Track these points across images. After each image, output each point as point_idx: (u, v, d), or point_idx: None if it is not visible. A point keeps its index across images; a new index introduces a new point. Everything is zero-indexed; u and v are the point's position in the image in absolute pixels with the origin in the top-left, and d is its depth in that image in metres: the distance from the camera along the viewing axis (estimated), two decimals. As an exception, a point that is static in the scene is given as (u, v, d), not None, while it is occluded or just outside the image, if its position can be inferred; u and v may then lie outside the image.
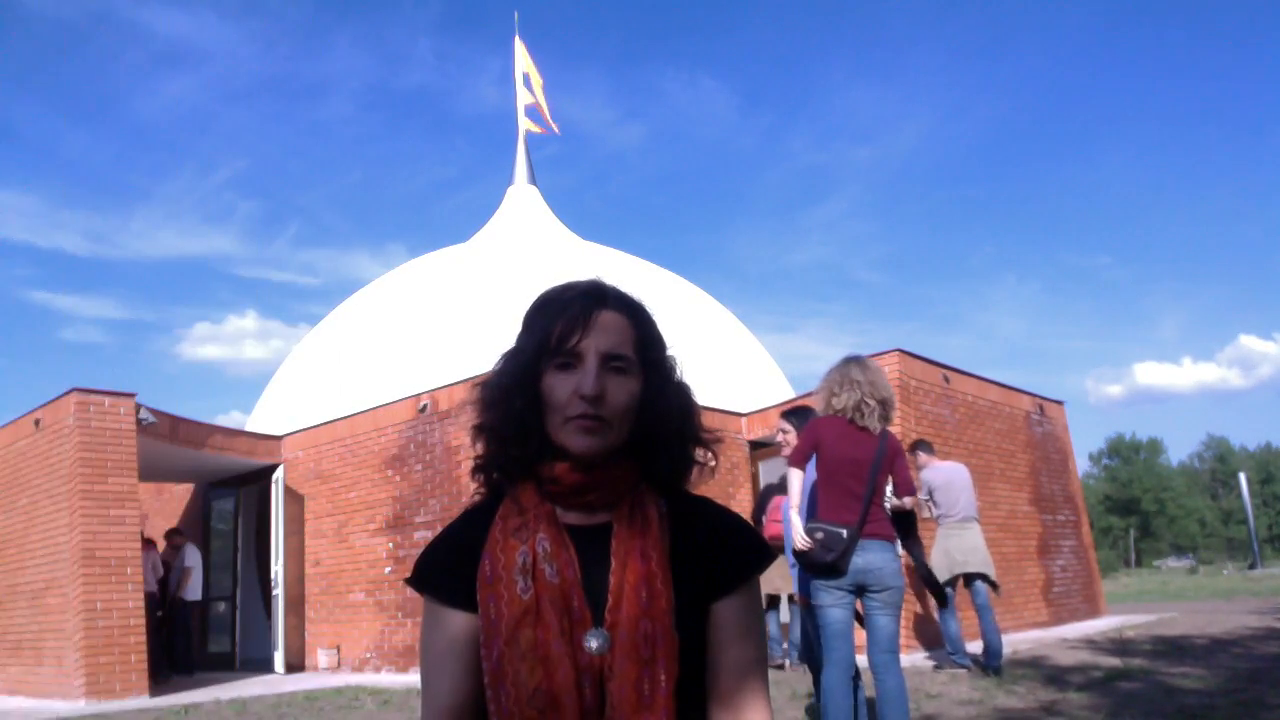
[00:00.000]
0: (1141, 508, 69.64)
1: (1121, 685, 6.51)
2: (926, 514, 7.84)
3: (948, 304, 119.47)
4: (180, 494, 14.38)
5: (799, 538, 4.23)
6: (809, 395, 4.75)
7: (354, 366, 14.20)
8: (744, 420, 11.95)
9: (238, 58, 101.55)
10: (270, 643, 11.93)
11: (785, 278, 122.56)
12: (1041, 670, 7.49)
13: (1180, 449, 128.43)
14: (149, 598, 10.30)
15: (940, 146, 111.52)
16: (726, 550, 1.21)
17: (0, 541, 10.89)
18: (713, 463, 1.27)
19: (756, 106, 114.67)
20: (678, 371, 1.26)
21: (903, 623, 6.46)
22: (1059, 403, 13.83)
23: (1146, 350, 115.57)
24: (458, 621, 1.18)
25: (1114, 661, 7.71)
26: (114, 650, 9.30)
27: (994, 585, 7.61)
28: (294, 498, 12.33)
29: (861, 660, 4.32)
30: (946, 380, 11.05)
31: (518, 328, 1.25)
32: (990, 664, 7.28)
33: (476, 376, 1.52)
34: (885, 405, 4.35)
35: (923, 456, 8.05)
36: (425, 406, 11.16)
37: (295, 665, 11.77)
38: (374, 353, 14.23)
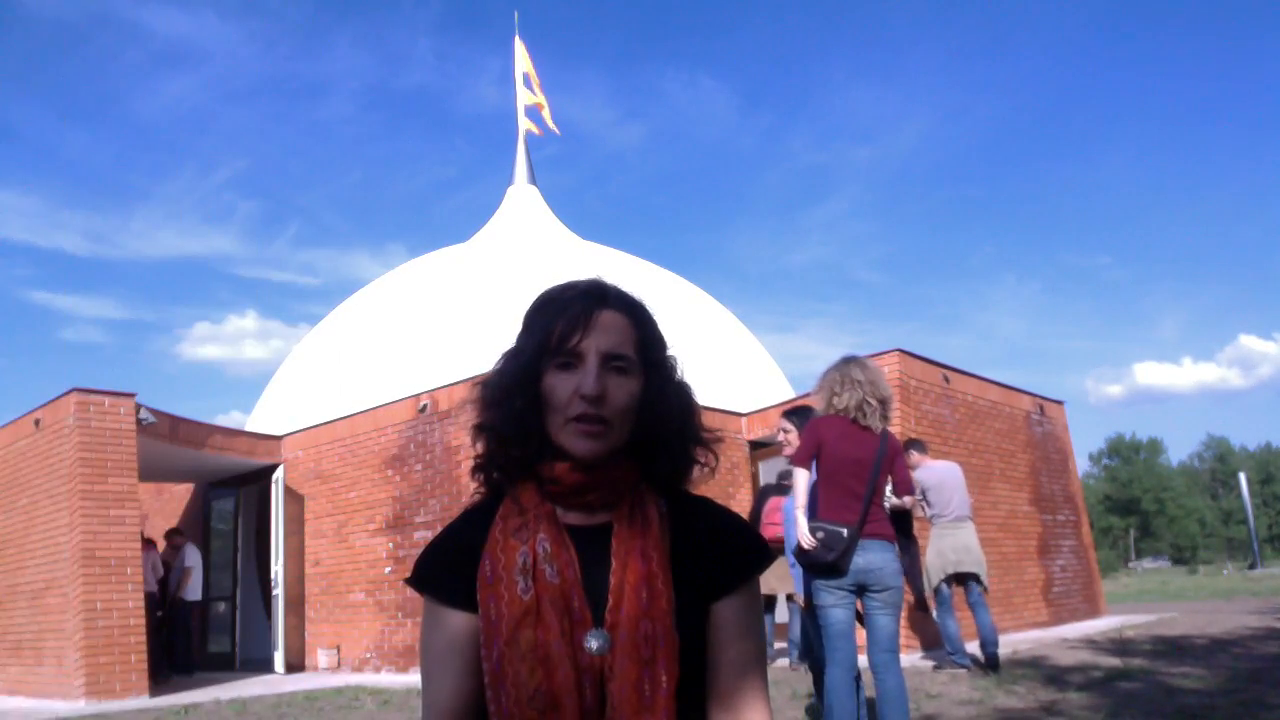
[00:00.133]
0: (1141, 508, 69.65)
1: (1121, 685, 6.51)
2: (920, 513, 7.86)
3: (948, 304, 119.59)
4: (180, 494, 14.38)
5: (805, 537, 4.23)
6: (809, 395, 4.75)
7: (354, 366, 14.20)
8: (744, 420, 11.96)
9: (238, 58, 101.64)
10: (270, 643, 11.93)
11: (785, 278, 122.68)
12: (1041, 670, 7.49)
13: (1180, 449, 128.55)
14: (149, 598, 10.30)
15: (940, 146, 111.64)
16: (727, 550, 1.21)
17: (0, 541, 10.88)
18: (713, 463, 1.27)
19: (756, 106, 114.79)
20: (678, 371, 1.26)
21: (902, 623, 6.47)
22: (1059, 403, 13.83)
23: (1146, 350, 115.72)
24: (458, 622, 1.18)
25: (1114, 661, 7.71)
26: (114, 650, 9.30)
27: (984, 586, 7.74)
28: (294, 498, 12.33)
29: (861, 660, 4.32)
30: (946, 380, 11.05)
31: (518, 327, 1.25)
32: (987, 650, 7.40)
33: (477, 376, 1.52)
34: (885, 404, 4.37)
35: (915, 456, 8.06)
36: (425, 406, 11.16)
37: (295, 665, 11.77)
38: (374, 353, 14.23)
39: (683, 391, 1.25)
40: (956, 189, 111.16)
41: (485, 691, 1.13)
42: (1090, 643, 9.36)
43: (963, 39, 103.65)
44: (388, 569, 11.15)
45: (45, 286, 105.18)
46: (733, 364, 14.88)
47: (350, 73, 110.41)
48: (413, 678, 9.71)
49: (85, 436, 9.65)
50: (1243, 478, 35.10)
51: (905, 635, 9.09)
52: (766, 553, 1.24)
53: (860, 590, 4.23)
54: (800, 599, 4.70)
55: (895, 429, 8.87)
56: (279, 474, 12.13)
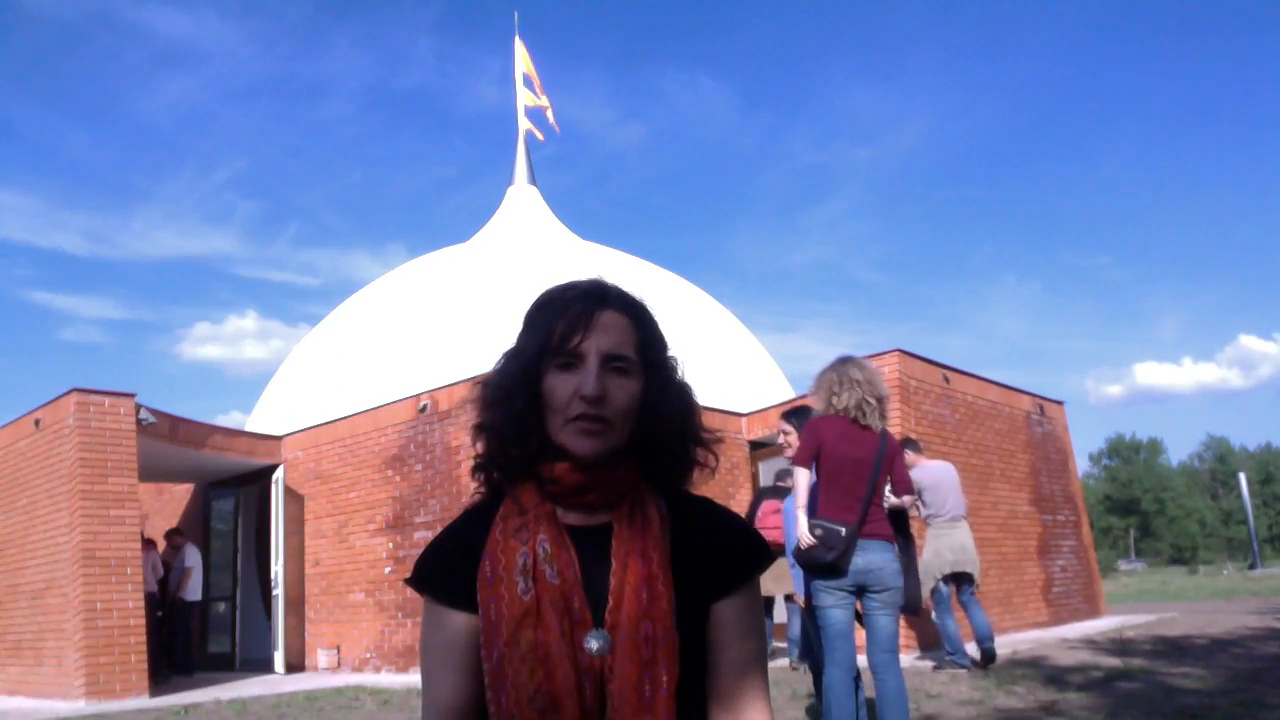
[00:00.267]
0: (1141, 508, 69.71)
1: (1121, 685, 6.51)
2: (916, 513, 7.87)
3: (948, 304, 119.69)
4: (180, 494, 14.37)
5: (805, 535, 4.23)
6: (808, 395, 4.76)
7: (354, 366, 14.20)
8: (744, 420, 11.96)
9: (238, 58, 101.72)
10: (270, 643, 11.93)
11: (785, 278, 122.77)
12: (1041, 670, 7.49)
13: (1180, 449, 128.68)
14: (149, 598, 10.30)
15: (940, 146, 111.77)
16: (727, 551, 1.21)
17: (0, 541, 10.88)
18: (713, 463, 1.27)
19: (756, 106, 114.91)
20: (679, 372, 1.26)
21: (902, 622, 6.47)
22: (1059, 403, 13.83)
23: (1146, 350, 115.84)
24: (458, 622, 1.18)
25: (1114, 661, 7.71)
26: (114, 650, 9.30)
27: (976, 585, 7.91)
28: (294, 498, 12.33)
29: (861, 660, 4.32)
30: (946, 380, 11.05)
31: (518, 327, 1.25)
32: (983, 645, 7.50)
33: (477, 376, 1.52)
34: (883, 403, 4.38)
35: (910, 456, 8.05)
36: (425, 406, 11.16)
37: (295, 665, 11.77)
38: (374, 353, 14.23)
39: (683, 392, 1.25)
40: (956, 189, 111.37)
41: (485, 692, 1.13)
42: (1090, 643, 9.36)
43: (963, 39, 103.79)
44: (388, 569, 11.15)
45: (45, 286, 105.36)
46: (733, 364, 14.87)
47: (350, 73, 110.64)
48: (413, 678, 9.71)
49: (85, 437, 9.65)
50: (1243, 478, 35.12)
51: (905, 635, 9.08)
52: (767, 553, 1.24)
53: (860, 591, 4.23)
54: (800, 599, 4.70)
55: (895, 429, 8.89)
56: (279, 474, 12.12)
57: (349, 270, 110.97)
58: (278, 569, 11.86)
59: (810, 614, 4.57)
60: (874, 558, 4.18)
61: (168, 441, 10.98)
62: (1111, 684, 6.59)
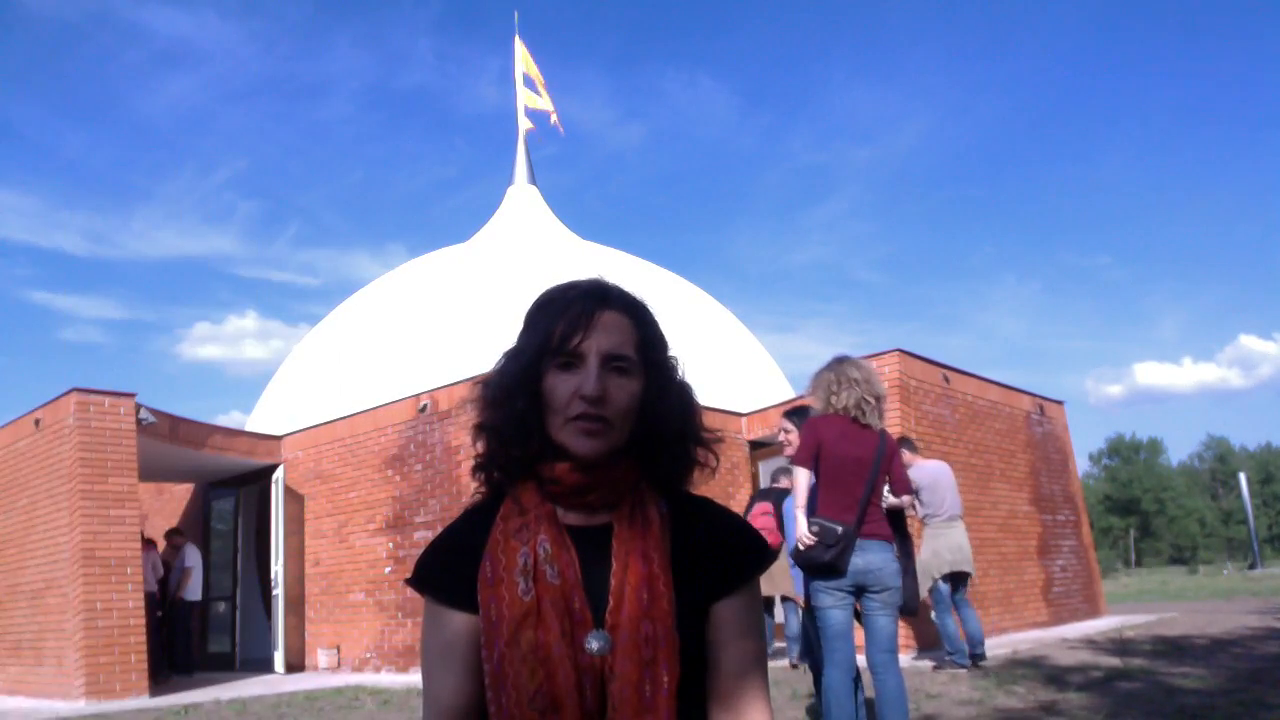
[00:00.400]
0: (1141, 508, 69.68)
1: (1121, 685, 6.51)
2: (912, 513, 7.88)
3: (948, 304, 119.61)
4: (180, 494, 14.38)
5: (804, 535, 4.23)
6: (806, 395, 4.76)
7: (354, 366, 14.21)
8: (744, 420, 11.96)
9: (238, 58, 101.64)
10: (270, 643, 11.93)
11: (785, 278, 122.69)
12: (1041, 670, 7.49)
13: (1180, 449, 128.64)
14: (149, 598, 10.30)
15: (940, 146, 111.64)
16: (727, 551, 1.21)
17: (0, 541, 10.89)
18: (713, 463, 1.27)
19: (756, 106, 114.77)
20: (679, 372, 1.26)
21: (901, 623, 6.46)
22: (1059, 403, 13.83)
23: (1146, 350, 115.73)
24: (458, 622, 1.18)
25: (1114, 661, 7.71)
26: (114, 650, 9.30)
27: (970, 585, 8.08)
28: (294, 498, 12.33)
29: (861, 660, 4.32)
30: (946, 380, 11.05)
31: (518, 327, 1.25)
32: (973, 650, 7.62)
33: (477, 376, 1.52)
34: (881, 402, 4.40)
35: (907, 455, 8.05)
36: (425, 406, 11.16)
37: (295, 665, 11.77)
38: (374, 353, 14.24)
39: (684, 392, 1.25)
40: (956, 189, 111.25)
41: (486, 692, 1.13)
42: (1090, 643, 9.36)
43: (963, 39, 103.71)
44: (388, 569, 11.15)
45: (45, 286, 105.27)
46: (733, 364, 14.88)
47: (350, 73, 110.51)
48: (413, 678, 9.71)
49: (85, 436, 9.65)
50: (1243, 478, 35.08)
51: (904, 635, 9.08)
52: (767, 553, 1.24)
53: (859, 591, 4.23)
54: (800, 599, 4.69)
55: (895, 429, 8.89)
56: (279, 474, 12.13)
57: (349, 270, 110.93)
58: (278, 569, 11.86)
59: (810, 614, 4.57)
60: (873, 558, 4.18)
61: (168, 441, 10.98)
62: (1111, 684, 6.59)
